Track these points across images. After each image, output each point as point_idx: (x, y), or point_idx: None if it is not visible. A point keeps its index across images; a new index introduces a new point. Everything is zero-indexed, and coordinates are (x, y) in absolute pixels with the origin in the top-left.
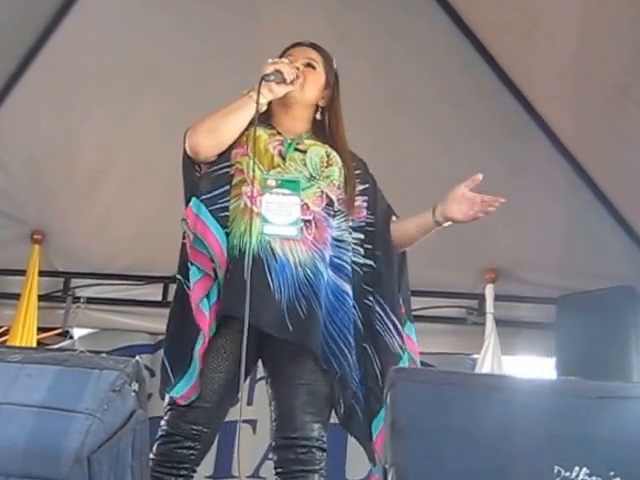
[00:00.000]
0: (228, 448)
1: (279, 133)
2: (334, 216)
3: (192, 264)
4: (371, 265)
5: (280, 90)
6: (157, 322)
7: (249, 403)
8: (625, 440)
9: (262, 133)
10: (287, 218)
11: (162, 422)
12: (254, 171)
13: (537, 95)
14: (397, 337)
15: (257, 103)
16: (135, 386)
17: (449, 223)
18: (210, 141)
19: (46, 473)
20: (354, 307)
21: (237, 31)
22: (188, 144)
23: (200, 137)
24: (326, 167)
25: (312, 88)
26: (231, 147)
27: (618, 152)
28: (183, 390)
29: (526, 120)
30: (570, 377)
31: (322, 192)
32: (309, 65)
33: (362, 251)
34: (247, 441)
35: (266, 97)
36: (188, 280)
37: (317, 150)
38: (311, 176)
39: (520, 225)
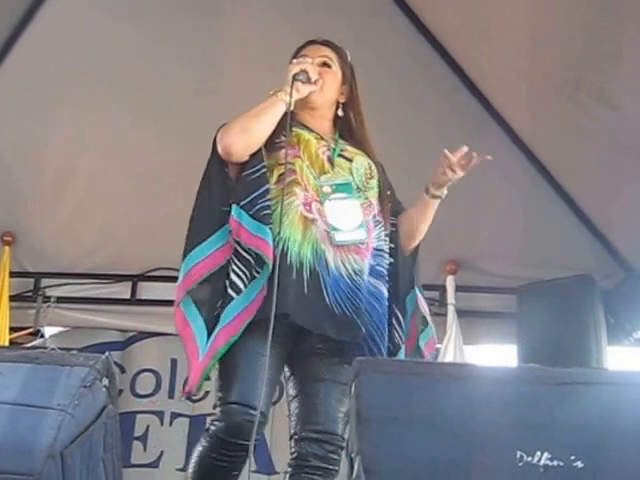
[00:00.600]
0: (198, 441)
1: (322, 137)
2: (375, 226)
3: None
4: (391, 262)
5: (305, 90)
6: (126, 319)
7: None
8: (585, 425)
9: (310, 137)
10: (353, 222)
11: (218, 423)
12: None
13: (494, 91)
14: (399, 330)
15: (290, 103)
16: (105, 382)
17: (445, 191)
18: (243, 142)
19: (20, 468)
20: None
21: (202, 36)
22: (221, 145)
23: (233, 138)
24: (369, 179)
25: (331, 87)
26: (272, 147)
27: (574, 145)
28: None
29: (484, 116)
30: (531, 364)
31: (370, 202)
32: (325, 64)
33: (388, 251)
34: None
35: (293, 97)
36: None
37: (361, 161)
38: (358, 187)
39: (480, 218)
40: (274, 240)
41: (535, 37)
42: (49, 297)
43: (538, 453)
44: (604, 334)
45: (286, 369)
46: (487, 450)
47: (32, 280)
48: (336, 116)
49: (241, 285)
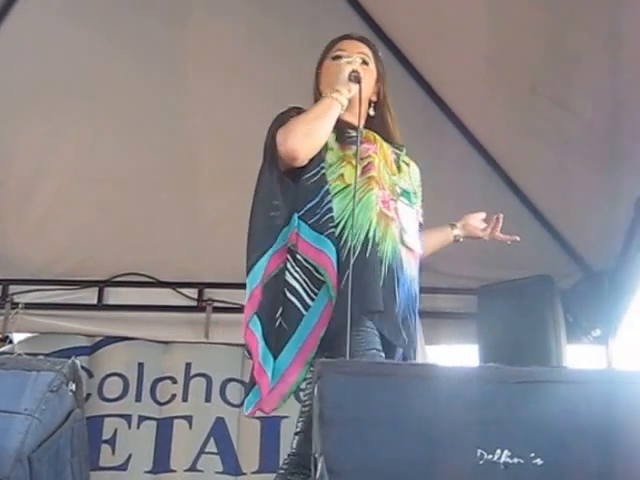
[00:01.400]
0: (165, 444)
1: (387, 140)
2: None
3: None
4: None
5: (355, 89)
6: (93, 325)
7: (184, 399)
8: (544, 422)
9: (380, 138)
10: (413, 228)
11: None
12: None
13: (451, 94)
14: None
15: (360, 101)
16: (72, 386)
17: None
18: (308, 145)
19: None
20: None
21: (166, 45)
22: (285, 149)
23: (298, 142)
24: (418, 186)
25: (369, 84)
26: (344, 140)
27: (532, 147)
28: None
29: (442, 119)
30: (491, 364)
31: (418, 210)
32: (363, 62)
33: None
34: (184, 436)
35: (347, 96)
36: None
37: (415, 167)
38: (415, 192)
39: (439, 219)
40: (359, 232)
41: (492, 41)
42: (17, 303)
43: (498, 451)
44: (563, 333)
45: None
46: (449, 449)
47: (0, 287)
48: (367, 115)
49: (301, 291)
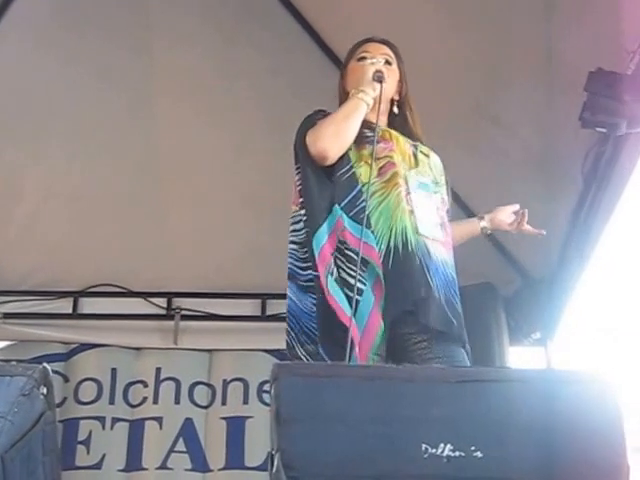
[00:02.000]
0: (137, 443)
1: (403, 134)
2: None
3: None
4: None
5: (379, 88)
6: (69, 333)
7: (155, 402)
8: (485, 419)
9: (398, 134)
10: (432, 219)
11: None
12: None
13: None
14: None
15: (380, 100)
16: (43, 390)
17: (490, 232)
18: (337, 145)
19: None
20: None
21: (132, 69)
22: (315, 150)
23: (327, 142)
24: (441, 175)
25: (392, 83)
26: (361, 140)
27: (472, 162)
28: None
29: None
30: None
31: (442, 198)
32: (386, 62)
33: None
34: (155, 436)
35: (372, 96)
36: None
37: (435, 158)
38: (437, 182)
39: None
40: (395, 233)
41: (438, 62)
42: None
43: (442, 445)
44: (506, 336)
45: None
46: (394, 444)
47: None
48: (391, 113)
49: (362, 286)
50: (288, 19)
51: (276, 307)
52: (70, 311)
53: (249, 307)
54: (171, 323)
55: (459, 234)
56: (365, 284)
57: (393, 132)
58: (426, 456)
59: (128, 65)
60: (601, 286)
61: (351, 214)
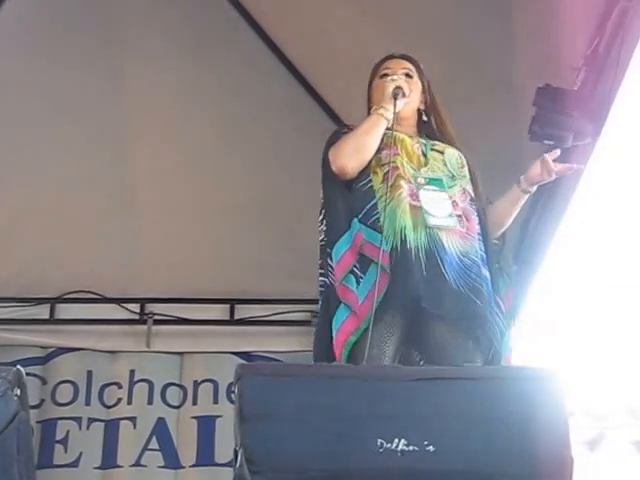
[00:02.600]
0: (112, 442)
1: (411, 136)
2: (474, 211)
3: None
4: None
5: (401, 103)
6: (46, 337)
7: (129, 402)
8: (437, 414)
9: (404, 136)
10: (443, 211)
11: None
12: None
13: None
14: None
15: (394, 115)
16: (17, 391)
17: (534, 189)
18: (357, 161)
19: None
20: None
21: (104, 86)
22: (336, 166)
23: (347, 158)
24: (461, 167)
25: (415, 95)
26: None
27: None
28: None
29: None
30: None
31: (464, 189)
32: (407, 75)
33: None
34: (129, 435)
35: (391, 111)
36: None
37: (452, 152)
38: (453, 175)
39: None
40: (393, 232)
41: None
42: None
43: (396, 440)
44: None
45: (416, 354)
46: (351, 440)
47: None
48: (420, 122)
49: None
50: (253, 38)
51: (244, 311)
52: (47, 317)
53: (218, 312)
54: (144, 327)
55: (506, 208)
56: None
57: (399, 135)
58: (381, 450)
59: (100, 81)
60: (549, 293)
61: (369, 222)
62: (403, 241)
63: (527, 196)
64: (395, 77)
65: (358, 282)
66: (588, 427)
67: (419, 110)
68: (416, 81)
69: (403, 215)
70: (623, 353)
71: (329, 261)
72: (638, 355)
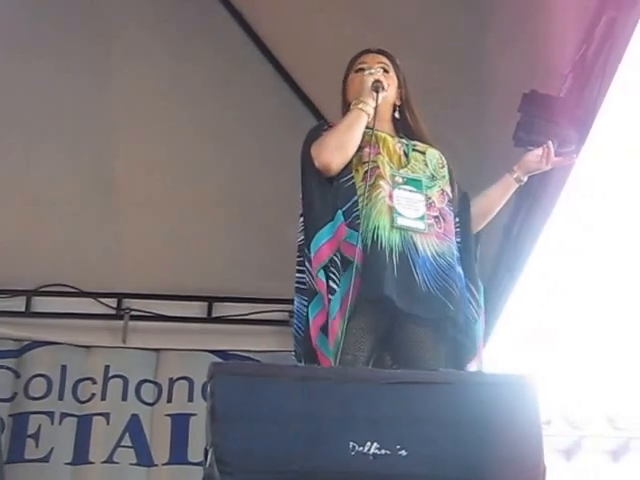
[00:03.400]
0: (85, 438)
1: (392, 136)
2: (453, 211)
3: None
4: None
5: (380, 97)
6: (21, 330)
7: (103, 398)
8: (409, 419)
9: (386, 136)
10: (415, 213)
11: None
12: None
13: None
14: (475, 304)
15: (375, 109)
16: None
17: (525, 178)
18: (341, 157)
19: None
20: None
21: (89, 77)
22: (320, 163)
23: (330, 155)
24: (441, 168)
25: (391, 90)
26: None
27: None
28: None
29: None
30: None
31: (442, 190)
32: (384, 70)
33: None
34: (102, 431)
35: (372, 105)
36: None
37: (433, 152)
38: (432, 176)
39: None
40: (366, 231)
41: None
42: None
43: (369, 443)
44: None
45: (388, 358)
46: (324, 442)
47: None
48: (394, 118)
49: (335, 286)
50: (238, 33)
51: (222, 309)
52: (23, 309)
53: (196, 309)
54: (120, 323)
55: (497, 197)
56: (336, 289)
57: (381, 134)
58: (353, 454)
59: (85, 72)
60: (530, 299)
61: (348, 220)
62: (375, 241)
63: (517, 186)
64: (372, 70)
65: (331, 279)
66: (565, 435)
67: (394, 105)
68: (392, 75)
69: (378, 215)
70: (603, 361)
71: (307, 252)
72: (618, 363)
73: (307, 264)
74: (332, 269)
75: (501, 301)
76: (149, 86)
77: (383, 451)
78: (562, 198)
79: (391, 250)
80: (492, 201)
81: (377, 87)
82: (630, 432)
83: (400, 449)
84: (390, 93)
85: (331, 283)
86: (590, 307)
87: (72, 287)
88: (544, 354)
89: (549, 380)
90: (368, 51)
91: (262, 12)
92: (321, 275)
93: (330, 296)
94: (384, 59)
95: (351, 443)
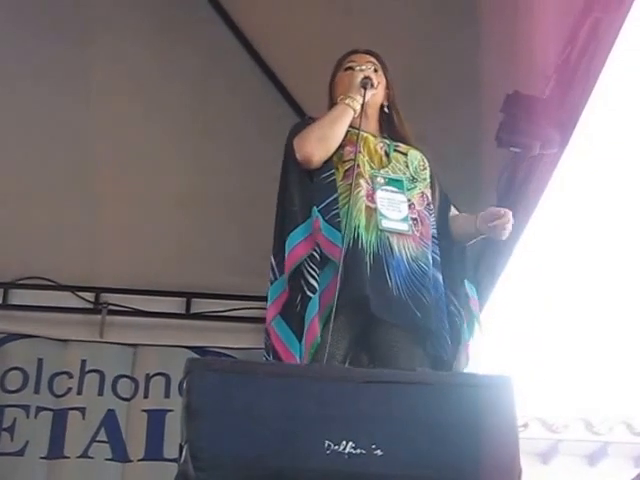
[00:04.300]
0: (60, 432)
1: (376, 136)
2: (430, 215)
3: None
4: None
5: (369, 94)
6: None
7: (79, 393)
8: (385, 418)
9: (368, 135)
10: (398, 214)
11: None
12: (360, 176)
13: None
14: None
15: (362, 106)
16: None
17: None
18: (322, 150)
19: None
20: None
21: (68, 66)
22: (300, 154)
23: (312, 147)
24: (423, 170)
25: (380, 90)
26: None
27: None
28: None
29: None
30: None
31: (422, 192)
32: (374, 69)
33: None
34: (77, 425)
35: (359, 102)
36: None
37: (415, 154)
38: (413, 178)
39: None
40: (348, 230)
41: None
42: None
43: (344, 442)
44: None
45: (365, 357)
46: (299, 440)
47: None
48: (381, 119)
49: (315, 284)
50: (221, 27)
51: (201, 305)
52: (0, 302)
53: (174, 305)
54: (98, 317)
55: (463, 231)
56: (317, 288)
57: (362, 134)
58: (328, 452)
59: (64, 61)
60: (510, 301)
61: (327, 217)
62: (356, 240)
63: (479, 236)
64: (363, 67)
65: (311, 276)
66: (542, 438)
67: (382, 106)
68: (381, 75)
69: (359, 214)
70: (581, 364)
71: (282, 249)
72: (596, 368)
73: (273, 259)
74: (311, 265)
75: (481, 302)
76: (128, 80)
77: (358, 450)
78: (544, 199)
79: (368, 251)
80: (462, 234)
81: (365, 83)
82: (607, 437)
83: (375, 449)
84: (378, 93)
85: (311, 280)
86: (570, 310)
87: (50, 280)
88: (523, 356)
89: (527, 383)
90: (356, 51)
91: (244, 7)
92: (297, 271)
93: (310, 294)
94: (373, 59)
95: (326, 442)
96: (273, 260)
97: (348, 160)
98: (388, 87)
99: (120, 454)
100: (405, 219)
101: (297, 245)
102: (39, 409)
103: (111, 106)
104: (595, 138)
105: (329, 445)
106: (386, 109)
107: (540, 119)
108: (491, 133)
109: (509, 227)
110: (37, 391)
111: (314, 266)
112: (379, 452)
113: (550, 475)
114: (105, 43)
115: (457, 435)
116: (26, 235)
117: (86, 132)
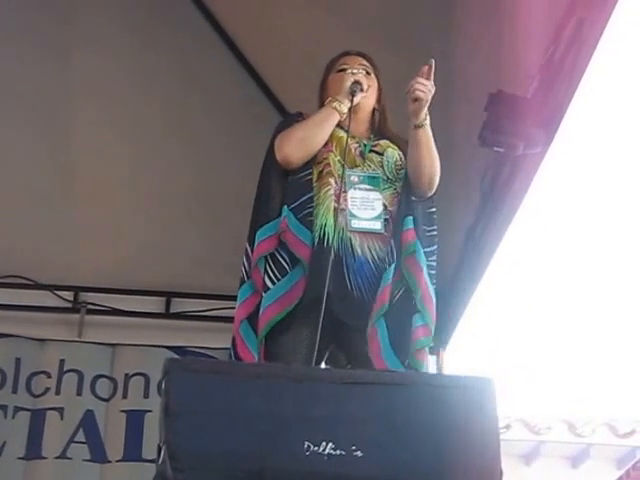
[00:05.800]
0: (38, 433)
1: (353, 136)
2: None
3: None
4: None
5: (358, 98)
6: None
7: (57, 393)
8: (365, 419)
9: (343, 135)
10: (371, 212)
11: None
12: (342, 176)
13: None
14: None
15: (350, 109)
16: None
17: (423, 116)
18: (302, 152)
19: None
20: None
21: (47, 69)
22: (280, 155)
23: (292, 148)
24: (399, 169)
25: (371, 92)
26: None
27: None
28: None
29: None
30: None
31: (398, 193)
32: (365, 72)
33: None
34: (55, 426)
35: (347, 105)
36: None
37: (392, 153)
38: (388, 178)
39: None
40: (316, 229)
41: None
42: None
43: (324, 443)
44: None
45: (342, 357)
46: (278, 441)
47: None
48: (372, 120)
49: (270, 285)
50: (203, 24)
51: (180, 305)
52: None
53: (154, 304)
54: (76, 316)
55: (412, 155)
56: (275, 283)
57: (338, 133)
58: (308, 453)
59: (43, 64)
60: (492, 300)
61: (299, 216)
62: (322, 239)
63: (423, 131)
64: (355, 70)
65: (273, 274)
66: (524, 440)
67: (374, 109)
68: (373, 78)
69: (326, 213)
70: (564, 366)
71: (252, 241)
72: (579, 369)
73: (249, 252)
74: (271, 264)
75: (462, 304)
76: (110, 76)
77: (338, 451)
78: (527, 199)
79: (331, 251)
80: (413, 160)
81: (354, 89)
82: (590, 438)
83: (355, 450)
84: (370, 96)
85: (266, 280)
86: (553, 311)
87: (28, 279)
88: (505, 358)
89: (509, 384)
90: (348, 53)
91: (227, 5)
92: (260, 265)
93: (263, 292)
94: (365, 61)
95: (306, 443)
96: (248, 247)
97: (322, 160)
98: (380, 89)
99: (99, 455)
100: (378, 217)
101: (264, 240)
102: (17, 409)
103: (93, 105)
104: (579, 138)
105: (309, 446)
106: (376, 112)
107: (524, 119)
108: (474, 132)
109: (415, 84)
110: (15, 391)
111: (273, 265)
112: (359, 453)
113: (532, 477)
114: (89, 40)
115: (438, 437)
116: (3, 234)
117: (66, 129)
